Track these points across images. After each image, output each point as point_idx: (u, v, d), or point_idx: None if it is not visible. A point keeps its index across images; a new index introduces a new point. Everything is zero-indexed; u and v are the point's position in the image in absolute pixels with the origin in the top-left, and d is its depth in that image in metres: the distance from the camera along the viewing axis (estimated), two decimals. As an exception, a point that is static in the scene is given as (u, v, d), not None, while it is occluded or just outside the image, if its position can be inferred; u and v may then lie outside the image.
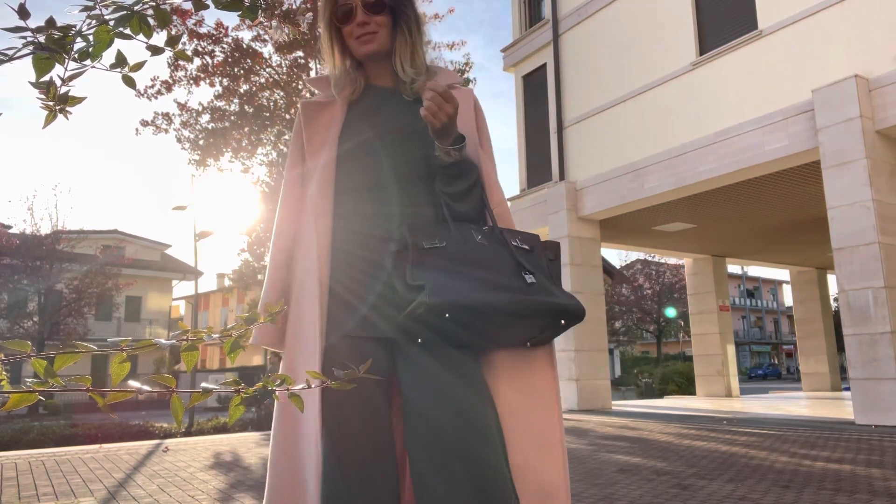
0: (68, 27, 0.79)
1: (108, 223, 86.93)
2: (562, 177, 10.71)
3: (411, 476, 1.25)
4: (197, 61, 12.18)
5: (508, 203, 1.46)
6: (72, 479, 4.40)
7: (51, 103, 0.79)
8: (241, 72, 12.22)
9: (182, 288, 48.63)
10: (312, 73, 12.31)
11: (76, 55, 0.79)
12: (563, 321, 1.29)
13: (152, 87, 12.29)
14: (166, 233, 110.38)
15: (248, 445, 6.31)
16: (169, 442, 6.70)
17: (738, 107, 8.25)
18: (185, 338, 0.78)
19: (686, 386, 15.86)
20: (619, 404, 11.22)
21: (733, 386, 12.97)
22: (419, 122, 1.37)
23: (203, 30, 12.04)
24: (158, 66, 54.42)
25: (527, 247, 1.37)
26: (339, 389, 0.80)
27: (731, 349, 13.18)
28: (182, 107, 12.70)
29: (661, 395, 16.60)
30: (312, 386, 0.81)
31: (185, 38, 11.93)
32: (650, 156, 9.29)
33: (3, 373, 0.69)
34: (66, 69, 0.79)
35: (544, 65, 11.55)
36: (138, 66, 0.83)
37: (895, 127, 6.89)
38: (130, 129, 55.86)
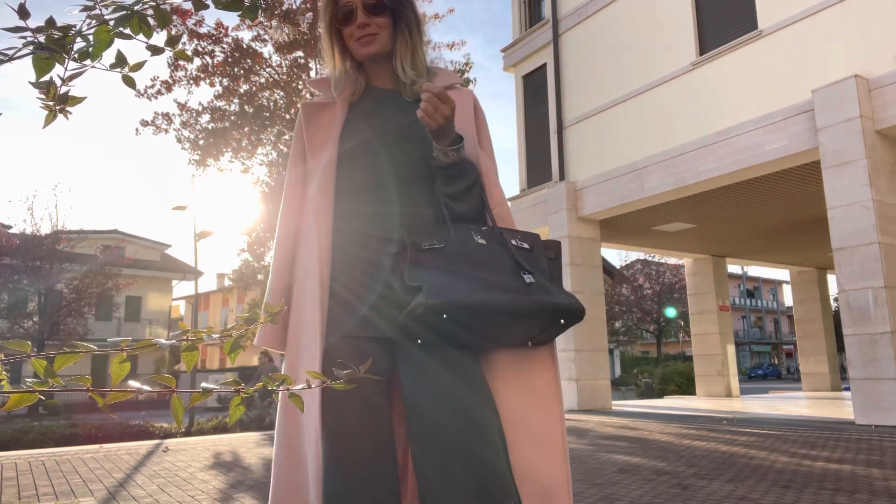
0: (68, 27, 0.79)
1: (108, 223, 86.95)
2: (562, 177, 10.71)
3: (415, 476, 1.26)
4: (197, 61, 12.18)
5: (509, 203, 1.45)
6: (72, 479, 4.40)
7: (51, 103, 0.79)
8: (241, 72, 12.23)
9: (182, 288, 48.66)
10: (312, 73, 12.31)
11: (76, 55, 0.79)
12: (562, 321, 1.29)
13: (152, 87, 12.30)
14: (166, 233, 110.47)
15: (248, 445, 6.31)
16: (169, 442, 6.70)
17: (738, 107, 8.25)
18: (185, 338, 0.78)
19: (686, 386, 15.86)
20: (619, 404, 11.22)
21: (733, 386, 12.97)
22: (419, 123, 1.37)
23: (203, 30, 12.05)
24: (158, 66, 54.44)
25: (527, 246, 1.37)
26: (340, 389, 0.80)
27: (731, 349, 13.18)
28: (182, 107, 12.70)
29: (661, 395, 16.60)
30: (312, 386, 0.81)
31: (185, 38, 11.93)
32: (650, 156, 9.29)
33: (3, 373, 0.69)
34: (66, 69, 0.79)
35: (544, 65, 11.56)
36: (138, 66, 0.83)
37: (895, 127, 6.89)
38: (130, 129, 55.91)
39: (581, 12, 10.72)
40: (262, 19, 11.69)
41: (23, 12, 0.75)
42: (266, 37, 12.15)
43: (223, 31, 12.10)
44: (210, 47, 12.11)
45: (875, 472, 4.00)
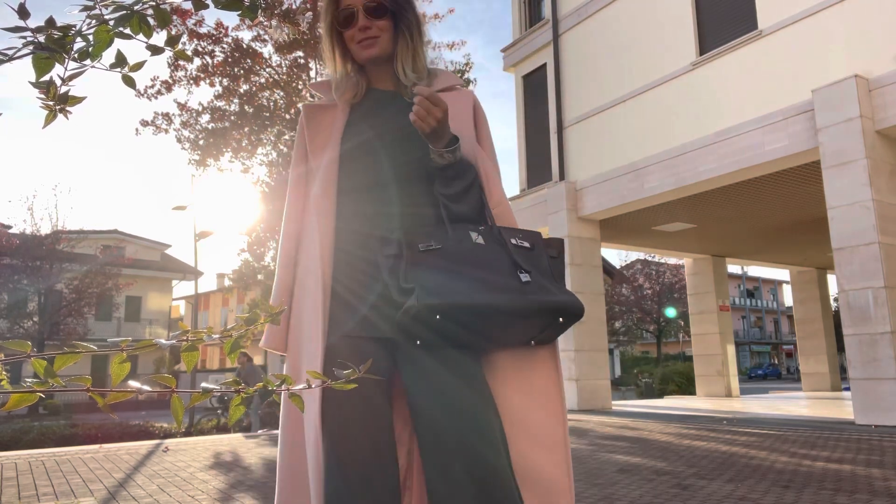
0: (68, 27, 0.79)
1: (108, 223, 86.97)
2: (562, 177, 10.71)
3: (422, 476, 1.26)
4: (197, 61, 12.19)
5: (509, 203, 1.45)
6: (72, 479, 4.40)
7: (51, 103, 0.79)
8: (241, 72, 12.23)
9: (182, 288, 48.61)
10: (312, 73, 12.31)
11: (76, 55, 0.79)
12: (561, 319, 1.29)
13: (152, 87, 12.31)
14: (166, 233, 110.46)
15: (248, 445, 6.32)
16: (169, 442, 6.70)
17: (738, 107, 8.25)
18: (185, 338, 0.78)
19: (686, 386, 15.86)
20: (619, 404, 11.22)
21: (733, 386, 12.97)
22: None
23: (203, 30, 12.05)
24: (158, 66, 54.44)
25: (527, 245, 1.36)
26: (340, 389, 0.80)
27: (731, 349, 13.18)
28: (182, 107, 12.71)
29: (661, 395, 16.61)
30: (313, 386, 0.81)
31: (185, 38, 11.94)
32: (650, 156, 9.29)
33: (3, 373, 0.69)
34: (66, 69, 0.79)
35: (544, 65, 11.55)
36: (138, 66, 0.83)
37: (895, 127, 6.89)
38: (130, 129, 55.97)
39: (581, 12, 10.72)
40: (261, 19, 11.70)
41: (23, 12, 0.75)
42: (266, 37, 12.15)
43: (223, 31, 12.11)
44: (210, 47, 12.12)
45: (875, 472, 4.00)
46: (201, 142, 12.66)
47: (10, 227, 23.49)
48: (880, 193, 6.80)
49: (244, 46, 12.10)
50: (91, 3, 0.79)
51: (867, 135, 6.86)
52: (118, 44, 0.81)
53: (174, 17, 10.89)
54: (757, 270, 59.28)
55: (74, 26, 0.79)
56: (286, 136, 12.47)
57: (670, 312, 39.45)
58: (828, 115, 7.09)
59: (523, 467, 1.28)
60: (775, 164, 7.88)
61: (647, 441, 5.94)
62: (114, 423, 9.51)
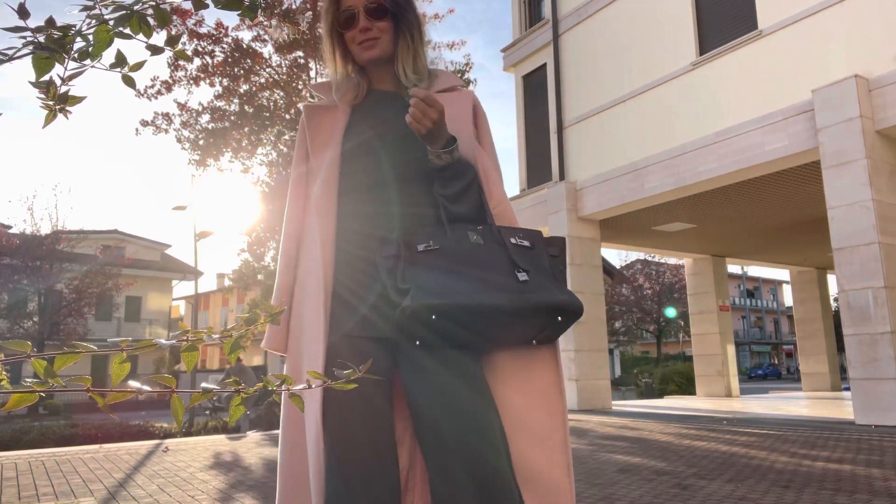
0: (68, 27, 0.79)
1: (108, 223, 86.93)
2: (562, 177, 10.71)
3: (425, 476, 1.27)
4: (197, 61, 12.19)
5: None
6: (72, 479, 4.40)
7: (51, 103, 0.79)
8: (241, 72, 12.23)
9: (182, 288, 48.59)
10: (312, 73, 12.31)
11: (76, 55, 0.79)
12: (560, 318, 1.29)
13: (152, 87, 12.31)
14: (166, 233, 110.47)
15: (248, 445, 6.31)
16: (169, 442, 6.70)
17: (738, 107, 8.25)
18: (185, 338, 0.78)
19: (686, 386, 15.86)
20: (619, 404, 11.21)
21: (733, 386, 12.97)
22: None
23: (203, 30, 12.05)
24: (158, 66, 54.42)
25: (527, 244, 1.36)
26: (340, 389, 0.80)
27: (731, 349, 13.18)
28: (182, 107, 12.71)
29: (661, 395, 16.60)
30: (313, 386, 0.81)
31: (185, 38, 11.93)
32: (650, 156, 9.29)
33: (3, 373, 0.69)
34: (65, 69, 0.79)
35: (544, 65, 11.55)
36: (138, 66, 0.83)
37: (895, 127, 6.89)
38: (130, 129, 55.91)
39: (581, 12, 10.72)
40: (261, 19, 11.70)
41: (23, 12, 0.75)
42: (266, 37, 12.15)
43: (223, 31, 12.10)
44: (210, 47, 12.11)
45: (875, 472, 4.00)
46: (201, 142, 12.66)
47: (10, 227, 23.49)
48: (880, 193, 6.80)
49: (244, 46, 12.10)
50: (91, 3, 0.79)
51: (867, 135, 6.86)
52: (118, 44, 0.81)
53: (174, 17, 10.89)
54: (757, 270, 59.33)
55: (74, 26, 0.79)
56: (286, 136, 12.47)
57: (670, 312, 39.45)
58: (828, 115, 7.09)
59: (524, 467, 1.28)
60: (775, 164, 7.88)
61: (647, 441, 5.94)
62: (114, 423, 9.51)
